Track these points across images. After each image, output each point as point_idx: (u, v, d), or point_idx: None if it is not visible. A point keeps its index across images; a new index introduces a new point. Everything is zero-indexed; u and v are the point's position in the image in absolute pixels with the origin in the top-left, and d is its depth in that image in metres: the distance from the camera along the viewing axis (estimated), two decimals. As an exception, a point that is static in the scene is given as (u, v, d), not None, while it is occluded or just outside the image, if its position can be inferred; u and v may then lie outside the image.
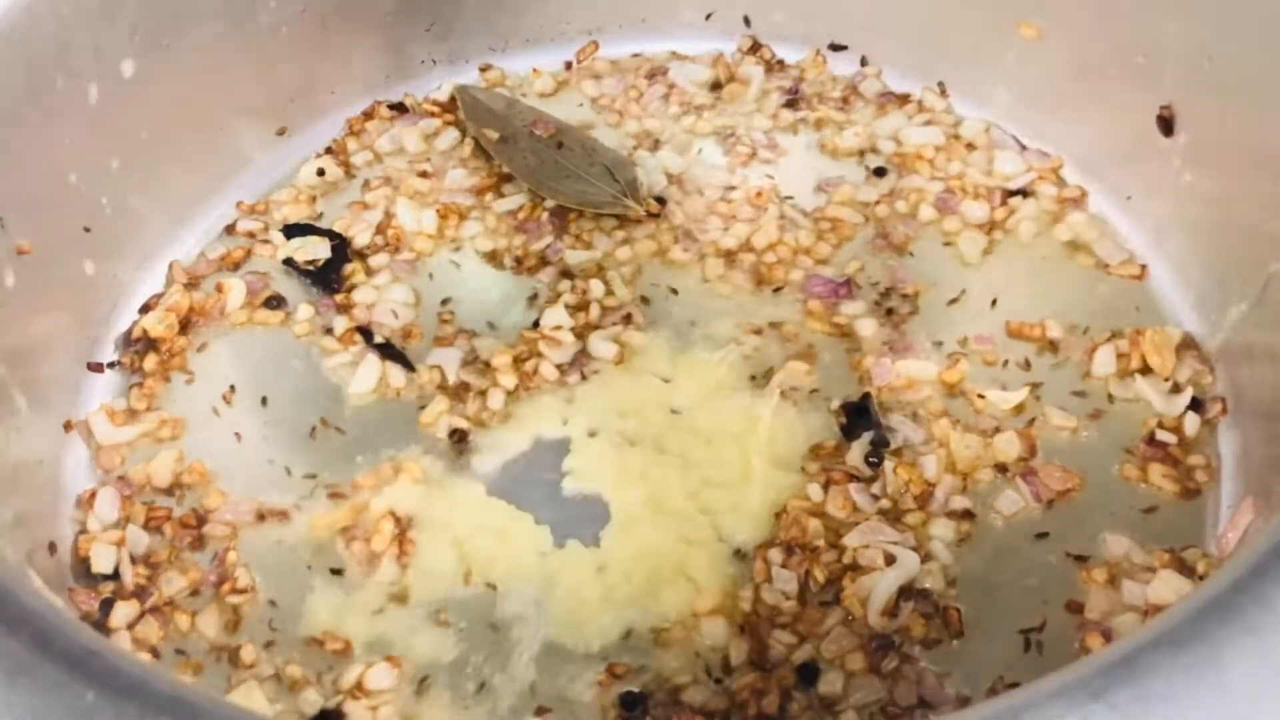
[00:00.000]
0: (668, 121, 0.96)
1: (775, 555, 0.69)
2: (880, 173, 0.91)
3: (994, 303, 0.82)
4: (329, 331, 0.82)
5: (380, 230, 0.88)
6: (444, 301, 0.84)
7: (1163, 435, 0.74)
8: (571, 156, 0.91)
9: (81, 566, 0.70)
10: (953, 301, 0.82)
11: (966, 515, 0.71)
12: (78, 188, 0.79)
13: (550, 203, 0.89)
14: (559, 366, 0.79)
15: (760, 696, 0.64)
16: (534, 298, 0.84)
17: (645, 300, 0.83)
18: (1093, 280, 0.84)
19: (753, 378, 0.78)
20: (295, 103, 0.94)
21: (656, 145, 0.94)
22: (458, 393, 0.78)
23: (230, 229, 0.89)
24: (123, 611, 0.67)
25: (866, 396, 0.76)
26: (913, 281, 0.83)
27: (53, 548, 0.70)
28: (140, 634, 0.67)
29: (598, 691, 0.64)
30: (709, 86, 1.00)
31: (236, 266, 0.86)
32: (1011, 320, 0.79)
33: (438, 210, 0.89)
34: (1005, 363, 0.79)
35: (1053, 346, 0.79)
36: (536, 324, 0.81)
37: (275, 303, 0.83)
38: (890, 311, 0.82)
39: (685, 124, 0.96)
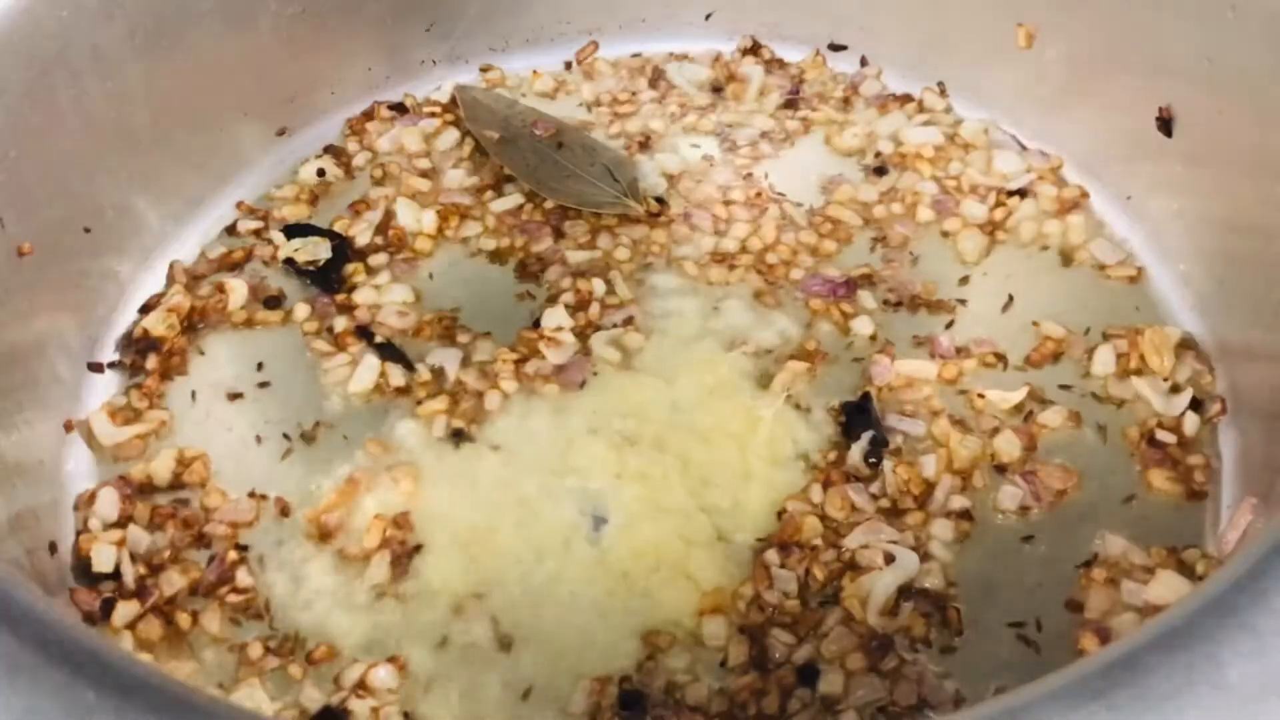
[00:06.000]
0: (667, 121, 0.96)
1: (774, 555, 0.69)
2: (880, 172, 0.91)
3: (994, 303, 0.82)
4: (329, 331, 0.82)
5: (380, 230, 0.88)
6: (443, 305, 0.84)
7: (1163, 435, 0.74)
8: (571, 156, 0.91)
9: (82, 566, 0.70)
10: (952, 300, 0.82)
11: (966, 515, 0.71)
12: (78, 188, 0.79)
13: (550, 203, 0.89)
14: (559, 367, 0.79)
15: (760, 696, 0.64)
16: (534, 298, 0.84)
17: (645, 300, 0.83)
18: (1092, 280, 0.84)
19: (753, 377, 0.78)
20: (295, 103, 0.95)
21: (656, 145, 0.94)
22: (457, 393, 0.78)
23: (231, 229, 0.89)
24: (124, 611, 0.67)
25: (866, 396, 0.76)
26: (912, 281, 0.83)
27: (53, 548, 0.70)
28: (141, 634, 0.67)
29: (596, 690, 0.64)
30: (709, 86, 1.00)
31: (237, 266, 0.86)
32: (1034, 354, 0.79)
33: (438, 210, 0.89)
34: (1005, 363, 0.79)
35: (1053, 346, 0.79)
36: (537, 324, 0.82)
37: (275, 303, 0.83)
38: (890, 311, 0.82)
39: (685, 124, 0.96)
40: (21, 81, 0.73)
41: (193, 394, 0.79)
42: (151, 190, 0.85)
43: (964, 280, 0.84)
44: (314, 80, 0.95)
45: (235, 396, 0.79)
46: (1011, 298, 0.82)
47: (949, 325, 0.81)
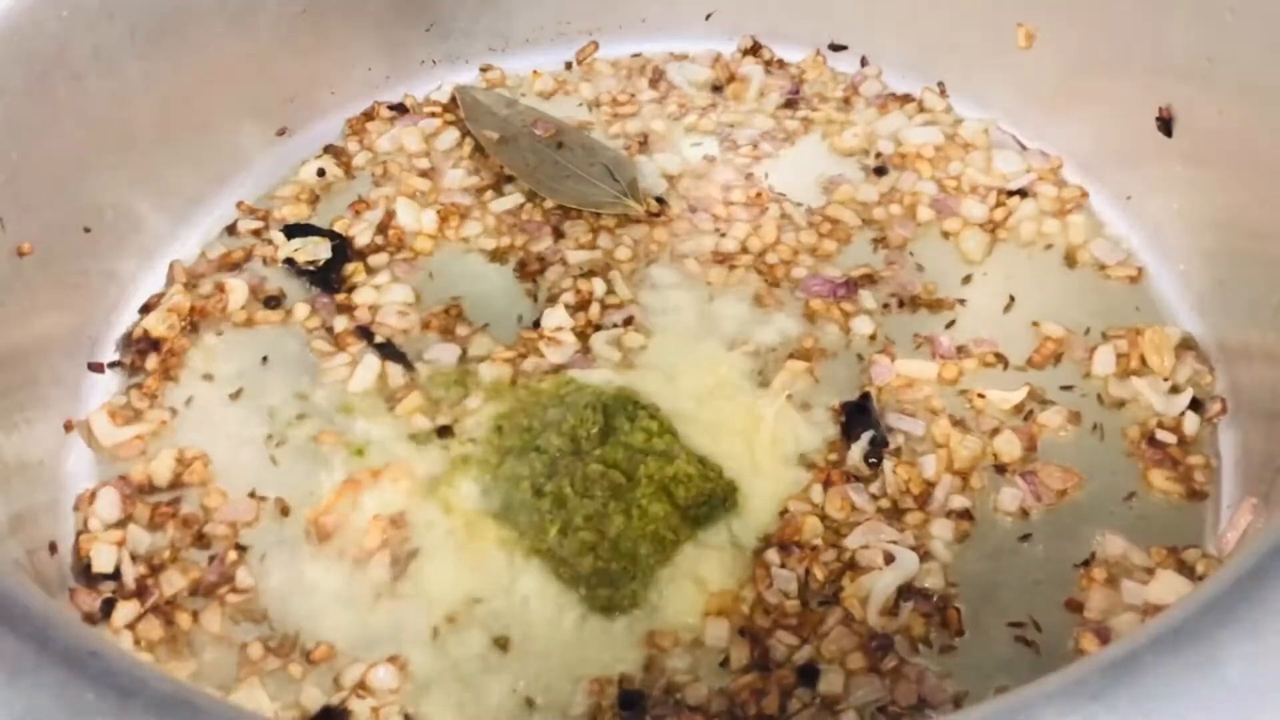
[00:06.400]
0: (667, 121, 0.96)
1: (774, 555, 0.69)
2: (880, 172, 0.91)
3: (994, 303, 0.82)
4: (329, 331, 0.82)
5: (380, 230, 0.88)
6: (444, 302, 0.84)
7: (1163, 435, 0.74)
8: (571, 156, 0.91)
9: (82, 566, 0.70)
10: (951, 300, 0.82)
11: (966, 515, 0.71)
12: (78, 188, 0.79)
13: (550, 203, 0.89)
14: (559, 366, 0.79)
15: (760, 696, 0.64)
16: (534, 298, 0.84)
17: (645, 300, 0.83)
18: (1092, 280, 0.84)
19: (753, 377, 0.78)
20: (295, 103, 0.95)
21: (656, 145, 0.94)
22: (456, 391, 0.78)
23: (231, 229, 0.89)
24: (124, 611, 0.67)
25: (866, 396, 0.76)
26: (912, 281, 0.83)
27: (53, 548, 0.70)
28: (141, 633, 0.67)
29: (596, 691, 0.64)
30: (709, 86, 1.00)
31: (237, 266, 0.86)
32: (1034, 354, 0.79)
33: (438, 210, 0.89)
34: (1005, 363, 0.79)
35: (1053, 347, 0.79)
36: (537, 324, 0.82)
37: (275, 303, 0.83)
38: (890, 311, 0.82)
39: (685, 124, 0.96)
40: (21, 81, 0.73)
41: (193, 394, 0.79)
42: (151, 190, 0.85)
43: (965, 280, 0.84)
44: (314, 80, 0.95)
45: (235, 396, 0.78)
46: (1013, 298, 0.82)
47: (949, 325, 0.81)
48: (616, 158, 0.92)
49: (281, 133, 0.95)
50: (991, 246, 0.86)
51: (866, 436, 0.74)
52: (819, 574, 0.68)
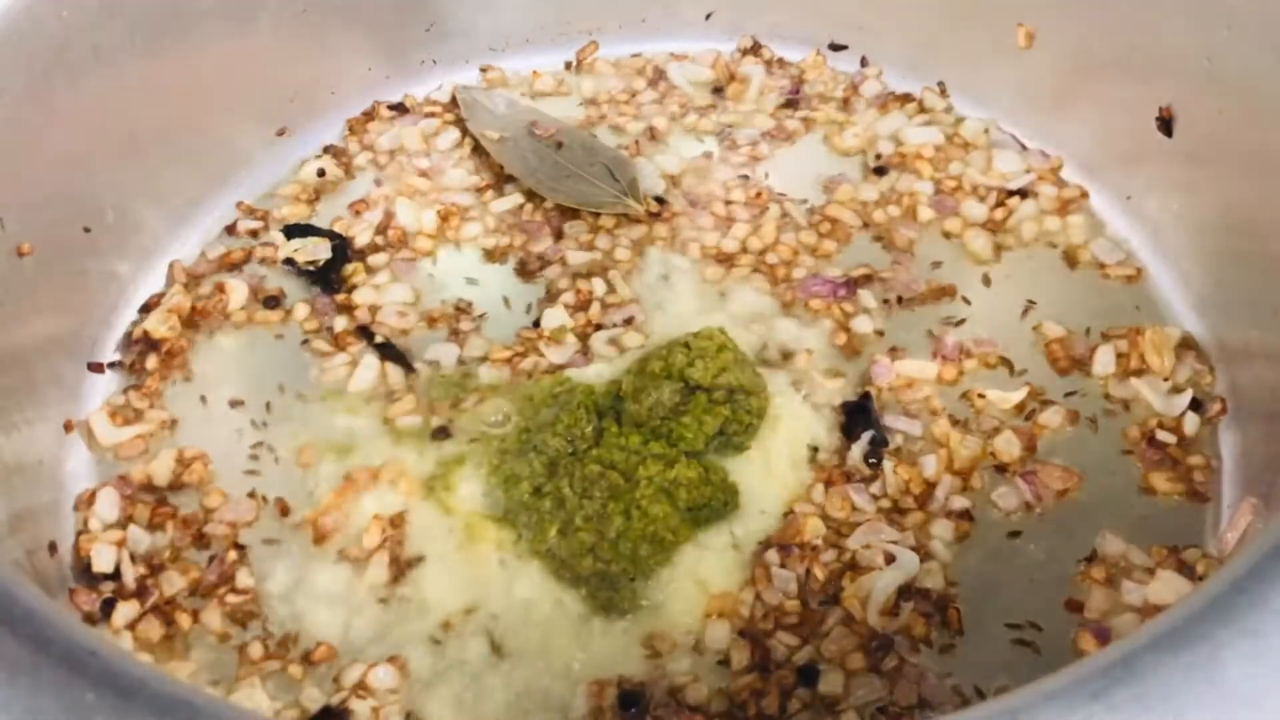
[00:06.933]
0: (667, 121, 0.96)
1: (774, 555, 0.69)
2: (880, 172, 0.91)
3: (994, 304, 0.82)
4: (329, 331, 0.82)
5: (380, 230, 0.88)
6: (444, 301, 0.84)
7: (1163, 435, 0.74)
8: (571, 156, 0.91)
9: (82, 566, 0.70)
10: (952, 300, 0.82)
11: (966, 515, 0.71)
12: (78, 188, 0.79)
13: (550, 203, 0.89)
14: (559, 366, 0.79)
15: (760, 697, 0.64)
16: (535, 298, 0.84)
17: (645, 300, 0.83)
18: (1092, 280, 0.84)
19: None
20: (295, 103, 0.95)
21: (656, 145, 0.94)
22: (455, 392, 0.78)
23: (231, 229, 0.89)
24: (124, 611, 0.67)
25: (866, 396, 0.76)
26: (912, 281, 0.83)
27: (53, 548, 0.70)
28: (141, 634, 0.67)
29: (595, 692, 0.64)
30: (709, 86, 1.00)
31: (237, 267, 0.86)
32: (1054, 348, 0.79)
33: (438, 210, 0.89)
34: (1005, 363, 0.79)
35: (1054, 347, 0.79)
36: (537, 324, 0.82)
37: (275, 302, 0.83)
38: (890, 311, 0.82)
39: (685, 124, 0.96)
40: (21, 81, 0.73)
41: (193, 394, 0.79)
42: (151, 190, 0.85)
43: (965, 280, 0.84)
44: (314, 80, 0.95)
45: (235, 397, 0.79)
46: (1032, 302, 0.82)
47: (959, 324, 0.81)
48: (616, 158, 0.92)
49: (281, 133, 0.95)
50: (991, 246, 0.86)
51: (866, 436, 0.74)
52: (819, 574, 0.68)
